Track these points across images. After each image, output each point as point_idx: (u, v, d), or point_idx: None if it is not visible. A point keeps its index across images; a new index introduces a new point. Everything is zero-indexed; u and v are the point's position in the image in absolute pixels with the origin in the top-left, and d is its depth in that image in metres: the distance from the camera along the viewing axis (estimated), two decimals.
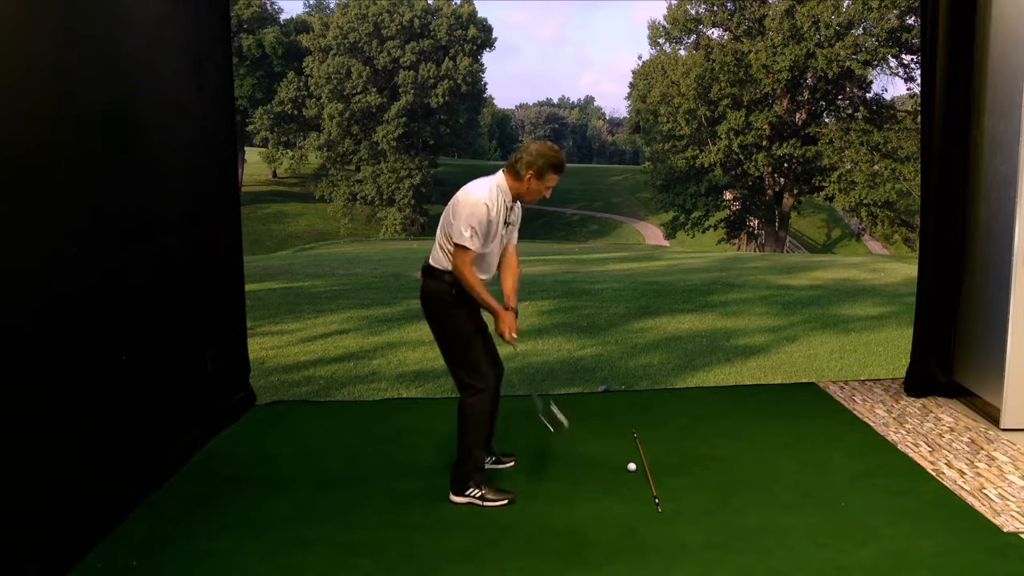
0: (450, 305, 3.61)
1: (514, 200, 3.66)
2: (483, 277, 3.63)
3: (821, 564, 3.15)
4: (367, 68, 39.38)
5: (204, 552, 3.31)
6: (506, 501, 3.66)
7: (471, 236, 3.47)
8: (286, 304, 9.92)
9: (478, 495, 3.67)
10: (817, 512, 3.59)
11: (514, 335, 3.66)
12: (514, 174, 3.57)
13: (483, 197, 3.51)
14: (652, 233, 40.94)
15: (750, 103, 31.76)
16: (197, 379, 4.53)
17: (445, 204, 3.67)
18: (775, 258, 21.05)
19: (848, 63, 30.23)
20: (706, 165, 32.49)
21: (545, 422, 3.86)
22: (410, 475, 4.08)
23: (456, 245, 3.50)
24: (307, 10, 46.73)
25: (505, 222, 3.64)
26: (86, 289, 3.38)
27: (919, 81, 7.50)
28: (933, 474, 3.99)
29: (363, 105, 39.20)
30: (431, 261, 3.66)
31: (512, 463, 4.12)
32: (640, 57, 49.02)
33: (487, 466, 3.88)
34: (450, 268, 3.57)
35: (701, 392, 5.72)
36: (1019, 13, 4.48)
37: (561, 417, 3.87)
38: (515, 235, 3.82)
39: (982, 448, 4.33)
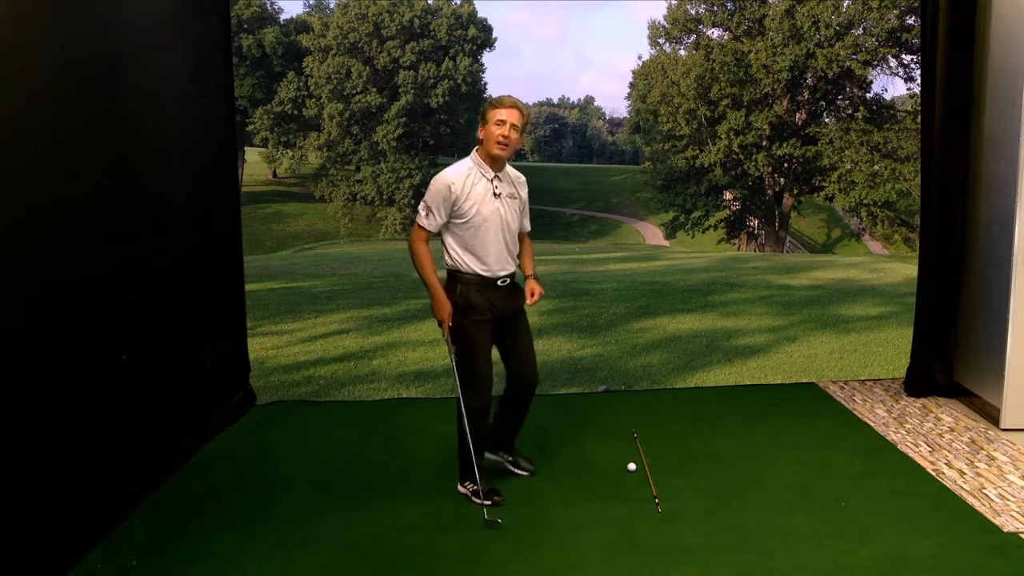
0: (462, 311, 3.56)
1: (496, 168, 3.55)
2: (481, 267, 3.55)
3: (821, 564, 3.16)
4: (367, 68, 39.37)
5: (204, 552, 3.31)
6: (488, 503, 3.61)
7: (426, 215, 3.50)
8: (286, 304, 9.92)
9: (472, 489, 3.71)
10: (817, 512, 3.59)
11: (447, 336, 3.57)
12: (478, 141, 3.57)
13: (446, 173, 3.50)
14: (652, 233, 40.93)
15: (750, 103, 31.75)
16: (197, 379, 4.53)
17: None
18: (775, 258, 21.04)
19: (848, 63, 30.21)
20: (706, 165, 32.49)
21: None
22: (410, 475, 4.09)
23: (416, 222, 3.56)
24: (307, 10, 46.73)
25: (495, 194, 3.53)
26: (86, 289, 3.38)
27: (919, 81, 7.50)
28: (933, 474, 3.99)
29: (363, 105, 39.18)
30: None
31: (527, 473, 3.97)
32: (640, 57, 49.17)
33: (508, 467, 3.98)
34: (456, 265, 3.57)
35: (701, 392, 5.73)
36: (1019, 13, 4.48)
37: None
38: (526, 221, 3.77)
39: (982, 448, 4.33)
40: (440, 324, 3.57)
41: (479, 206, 3.49)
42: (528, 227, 3.80)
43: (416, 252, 3.55)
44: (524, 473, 3.96)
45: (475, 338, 3.58)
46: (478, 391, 3.60)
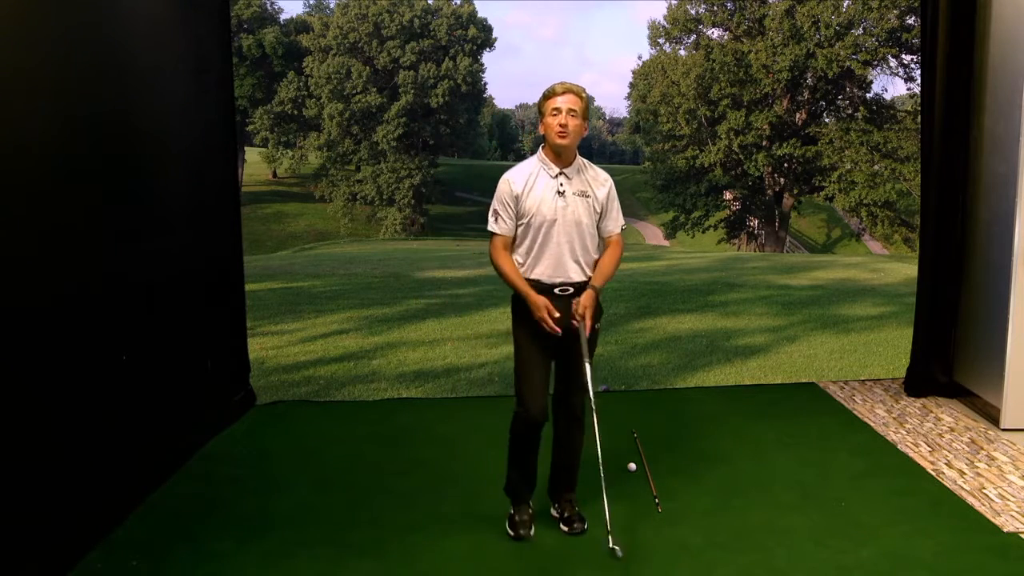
0: (515, 314, 3.33)
1: (562, 163, 3.25)
2: (534, 272, 3.25)
3: (821, 564, 3.16)
4: (367, 68, 39.35)
5: (204, 552, 3.31)
6: (511, 533, 3.40)
7: (495, 219, 3.26)
8: (286, 304, 9.92)
9: (510, 511, 3.47)
10: (817, 512, 3.59)
11: (555, 326, 3.18)
12: (542, 138, 3.30)
13: (507, 173, 3.28)
14: (652, 233, 40.91)
15: (750, 103, 31.73)
16: (197, 379, 4.53)
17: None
18: (775, 258, 21.05)
19: (848, 63, 30.21)
20: (706, 165, 32.48)
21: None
22: (410, 475, 4.09)
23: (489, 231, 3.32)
24: (307, 10, 46.64)
25: (559, 192, 3.22)
26: (86, 289, 3.38)
27: (919, 81, 7.51)
28: (933, 474, 3.99)
29: (363, 105, 39.16)
30: None
31: (579, 529, 3.45)
32: (640, 57, 48.94)
33: (554, 518, 3.55)
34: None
35: (701, 392, 5.72)
36: (1019, 13, 4.48)
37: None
38: (609, 223, 3.34)
39: (982, 448, 4.33)
40: (542, 323, 3.22)
41: (540, 205, 3.21)
42: (612, 230, 3.35)
43: (494, 262, 3.29)
44: (564, 530, 3.47)
45: (523, 346, 3.31)
46: (522, 399, 3.31)
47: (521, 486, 3.47)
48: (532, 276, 3.26)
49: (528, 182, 3.24)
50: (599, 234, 3.36)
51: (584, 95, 3.23)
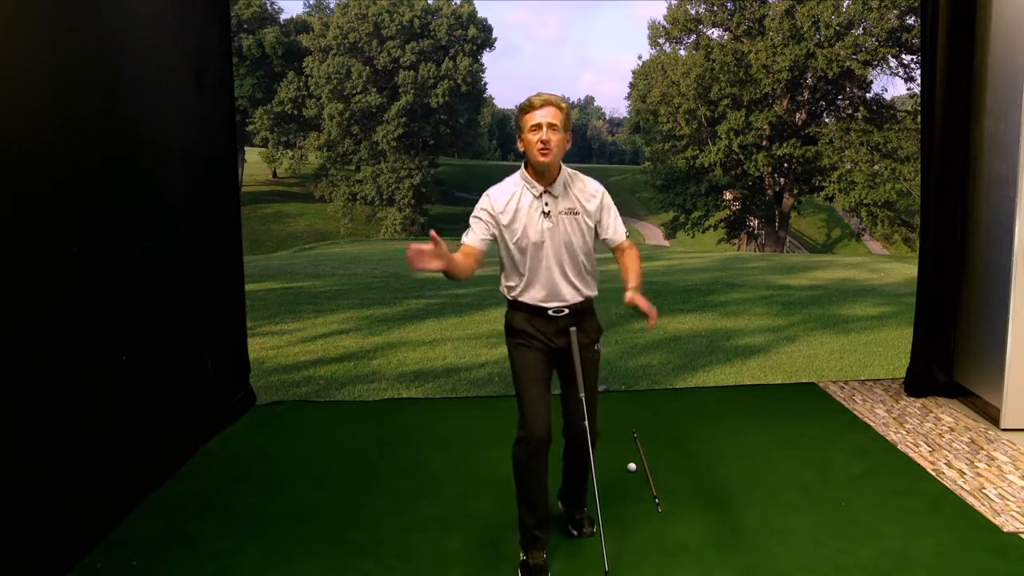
0: (508, 334, 3.18)
1: (545, 181, 3.03)
2: (527, 295, 3.09)
3: (821, 564, 3.16)
4: (367, 68, 39.36)
5: (204, 552, 3.31)
6: None
7: (466, 233, 3.06)
8: (286, 304, 9.93)
9: (522, 558, 3.17)
10: (817, 512, 3.59)
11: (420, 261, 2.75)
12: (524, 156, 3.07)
13: (491, 189, 3.08)
14: (652, 233, 40.91)
15: (750, 103, 31.75)
16: (197, 379, 4.53)
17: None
18: (775, 258, 21.06)
19: (848, 63, 30.23)
20: (706, 165, 32.50)
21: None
22: (410, 475, 4.09)
23: None
24: (307, 10, 46.61)
25: (544, 212, 3.02)
26: (86, 289, 3.38)
27: (919, 81, 7.51)
28: (933, 474, 3.99)
29: (363, 105, 39.16)
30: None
31: (589, 533, 3.46)
32: (640, 57, 48.79)
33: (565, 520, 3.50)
34: (504, 292, 3.17)
35: (701, 392, 5.72)
36: (1019, 13, 4.48)
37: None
38: (610, 234, 3.14)
39: (982, 448, 4.33)
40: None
41: (525, 228, 3.02)
42: (617, 239, 3.16)
43: None
44: (574, 533, 3.46)
45: (517, 362, 3.13)
46: (523, 417, 3.08)
47: (534, 532, 3.13)
48: (524, 300, 3.10)
49: (511, 203, 3.03)
50: (608, 246, 3.19)
51: (564, 105, 2.99)
